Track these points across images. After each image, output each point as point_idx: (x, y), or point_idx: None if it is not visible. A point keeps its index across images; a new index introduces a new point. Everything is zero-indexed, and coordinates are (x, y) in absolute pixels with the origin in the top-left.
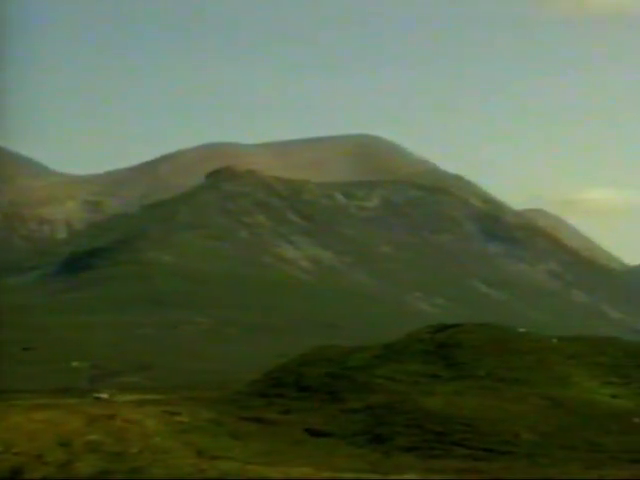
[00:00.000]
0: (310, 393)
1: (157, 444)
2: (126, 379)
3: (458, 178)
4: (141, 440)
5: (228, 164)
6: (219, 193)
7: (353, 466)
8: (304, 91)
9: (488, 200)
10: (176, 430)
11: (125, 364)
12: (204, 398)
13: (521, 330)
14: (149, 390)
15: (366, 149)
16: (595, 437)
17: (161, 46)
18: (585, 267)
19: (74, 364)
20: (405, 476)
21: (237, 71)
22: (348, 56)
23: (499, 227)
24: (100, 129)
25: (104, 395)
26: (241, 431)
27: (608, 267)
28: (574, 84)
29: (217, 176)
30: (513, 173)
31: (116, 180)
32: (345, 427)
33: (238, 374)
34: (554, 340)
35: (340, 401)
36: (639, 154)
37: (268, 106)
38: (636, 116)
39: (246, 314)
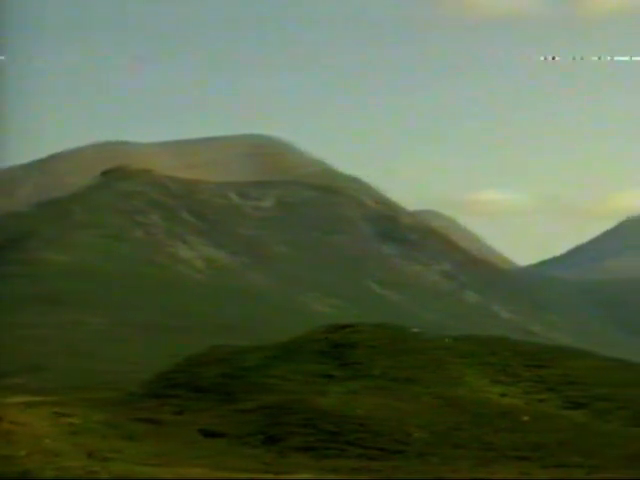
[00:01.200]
0: (204, 393)
1: (47, 446)
2: (16, 380)
3: (353, 179)
4: (30, 442)
5: (123, 163)
6: (113, 192)
7: (247, 466)
8: (199, 91)
9: (383, 201)
10: (67, 432)
11: (16, 365)
12: (97, 399)
13: (415, 330)
14: (40, 392)
15: (261, 149)
16: (485, 435)
17: (57, 43)
18: (477, 268)
19: None
20: (298, 476)
21: (132, 70)
22: (243, 56)
23: (394, 228)
24: None
25: None
26: (134, 432)
27: (500, 268)
28: (467, 85)
29: (111, 175)
30: (407, 174)
31: (7, 178)
32: (239, 427)
33: (132, 375)
34: (447, 340)
35: (234, 401)
36: (530, 156)
37: (163, 105)
38: (526, 119)
39: (140, 314)
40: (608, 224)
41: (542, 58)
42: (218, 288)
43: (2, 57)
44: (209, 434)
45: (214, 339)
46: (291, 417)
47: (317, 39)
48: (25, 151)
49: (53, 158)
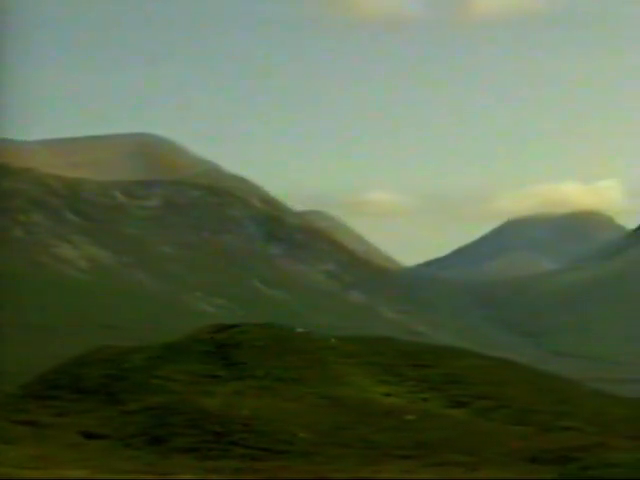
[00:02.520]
0: (87, 395)
1: None
2: None
3: (239, 179)
4: None
5: (3, 161)
6: None
7: (130, 468)
8: (83, 89)
9: (269, 201)
10: None
11: None
12: None
13: (300, 330)
14: None
15: (146, 148)
16: (369, 434)
17: None
18: (362, 268)
19: None
20: (182, 477)
21: (15, 67)
22: (127, 54)
23: (280, 228)
24: None
25: None
26: (13, 435)
27: (385, 268)
28: (351, 86)
29: None
30: (294, 175)
31: None
32: (122, 429)
33: (11, 376)
34: (332, 340)
35: (118, 403)
36: (415, 158)
37: (46, 103)
38: (412, 121)
39: (21, 315)
40: (491, 225)
41: (424, 59)
42: (102, 288)
43: None
44: (91, 436)
45: (98, 339)
46: (175, 418)
47: (204, 38)
48: None
49: None
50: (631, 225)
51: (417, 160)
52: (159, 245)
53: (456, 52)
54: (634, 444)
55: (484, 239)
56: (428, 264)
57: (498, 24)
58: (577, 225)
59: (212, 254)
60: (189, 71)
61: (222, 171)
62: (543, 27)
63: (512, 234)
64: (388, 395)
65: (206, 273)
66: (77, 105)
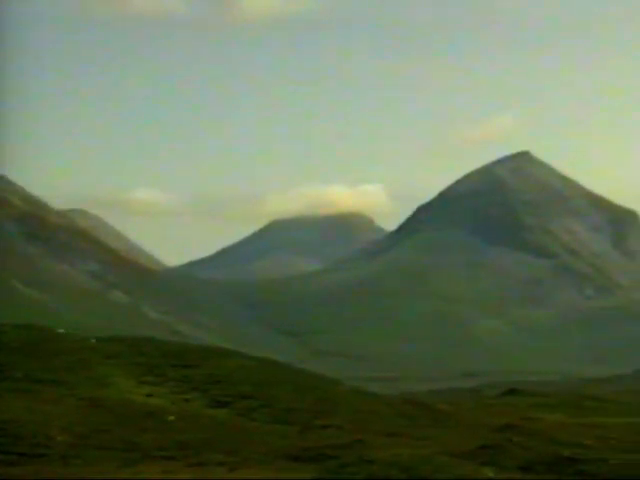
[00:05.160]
0: None
1: None
2: None
3: None
4: None
5: None
6: None
7: None
8: None
9: (29, 200)
10: None
11: None
12: None
13: (60, 331)
14: None
15: None
16: (131, 436)
17: None
18: (126, 268)
19: None
20: None
21: None
22: None
23: (40, 227)
24: None
25: None
26: None
27: (148, 268)
28: (120, 84)
29: None
30: (55, 173)
31: None
32: None
33: None
34: (93, 340)
35: None
36: (182, 156)
37: None
38: (178, 120)
39: None
40: (256, 226)
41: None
42: None
43: None
44: None
45: None
46: None
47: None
48: None
49: None
50: (391, 227)
51: (183, 159)
52: None
53: (227, 52)
54: (389, 441)
55: (249, 240)
56: (192, 264)
57: (268, 25)
58: (340, 227)
59: None
60: None
61: None
62: (311, 29)
63: (276, 235)
64: (150, 396)
65: None
66: None
